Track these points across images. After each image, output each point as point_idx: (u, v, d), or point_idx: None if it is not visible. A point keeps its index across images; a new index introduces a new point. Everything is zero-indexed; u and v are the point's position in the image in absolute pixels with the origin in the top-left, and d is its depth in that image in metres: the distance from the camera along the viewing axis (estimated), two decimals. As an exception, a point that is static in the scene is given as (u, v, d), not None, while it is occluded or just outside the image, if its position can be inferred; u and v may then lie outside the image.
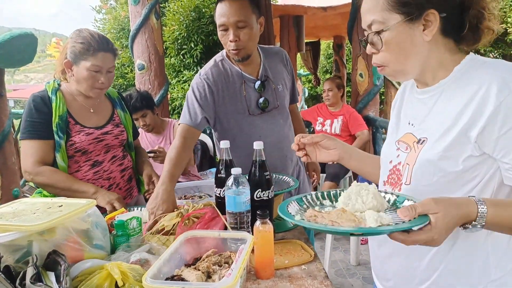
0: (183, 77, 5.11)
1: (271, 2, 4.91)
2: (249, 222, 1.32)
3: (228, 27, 1.61)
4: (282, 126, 1.84)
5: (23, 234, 0.98)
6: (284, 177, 1.68)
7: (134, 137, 1.95)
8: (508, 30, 7.16)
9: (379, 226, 0.82)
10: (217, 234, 1.20)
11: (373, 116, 4.16)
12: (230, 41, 1.63)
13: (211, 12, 4.96)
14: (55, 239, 1.05)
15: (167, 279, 1.03)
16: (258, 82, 1.76)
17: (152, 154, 2.44)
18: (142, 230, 1.37)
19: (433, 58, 0.95)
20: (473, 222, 0.80)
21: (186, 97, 1.77)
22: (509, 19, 7.11)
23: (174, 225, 1.38)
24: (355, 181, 0.99)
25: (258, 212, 1.13)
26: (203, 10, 5.00)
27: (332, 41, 9.14)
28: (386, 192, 1.00)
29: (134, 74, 4.73)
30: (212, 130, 1.88)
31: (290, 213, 0.93)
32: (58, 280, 0.90)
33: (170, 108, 4.69)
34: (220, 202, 1.42)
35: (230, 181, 1.30)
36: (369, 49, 0.99)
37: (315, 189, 2.56)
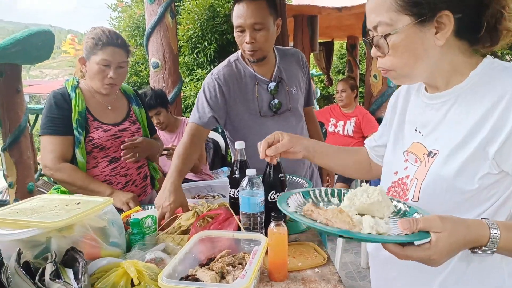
0: (196, 75, 5.13)
1: (286, 2, 4.90)
2: (263, 224, 1.32)
3: (244, 29, 1.62)
4: (294, 129, 1.83)
5: (43, 230, 1.00)
6: (298, 178, 1.68)
7: (151, 133, 1.96)
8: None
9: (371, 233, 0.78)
10: (231, 234, 1.21)
11: (387, 118, 4.12)
12: (246, 43, 1.63)
13: (226, 11, 4.97)
14: (73, 236, 1.07)
15: (181, 278, 1.04)
16: (271, 84, 1.76)
17: (165, 152, 2.46)
18: (157, 228, 1.38)
19: (446, 62, 0.87)
20: (483, 247, 0.73)
21: (197, 96, 1.78)
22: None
23: (190, 224, 1.39)
24: (366, 183, 0.95)
25: (272, 214, 1.13)
26: (218, 9, 5.01)
27: (346, 41, 9.08)
28: (398, 201, 0.93)
29: (148, 72, 4.77)
30: (224, 129, 1.89)
31: (288, 204, 0.90)
32: (76, 277, 0.91)
33: (182, 106, 4.71)
34: (234, 203, 1.42)
35: (244, 182, 1.31)
36: (374, 52, 0.91)
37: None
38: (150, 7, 3.48)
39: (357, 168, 1.28)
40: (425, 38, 0.83)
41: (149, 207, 1.61)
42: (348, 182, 3.61)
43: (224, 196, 1.77)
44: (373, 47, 0.90)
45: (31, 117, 5.29)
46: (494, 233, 0.72)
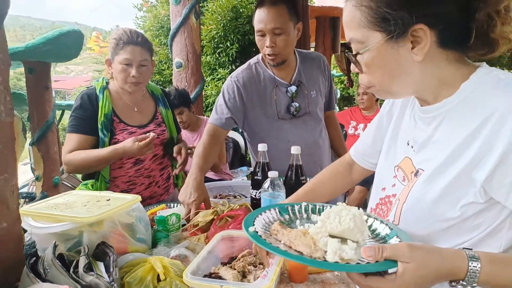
0: (217, 75, 5.20)
1: (308, 4, 4.89)
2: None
3: (265, 33, 1.65)
4: (312, 132, 1.85)
5: (76, 225, 1.06)
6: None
7: (177, 132, 1.99)
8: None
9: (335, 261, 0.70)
10: (253, 234, 1.24)
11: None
12: (267, 47, 1.66)
13: (249, 12, 5.01)
14: (103, 231, 1.12)
15: (205, 276, 1.08)
16: (291, 87, 1.78)
17: (188, 151, 2.51)
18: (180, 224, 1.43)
19: (431, 77, 0.79)
20: (461, 282, 0.65)
21: (217, 98, 1.82)
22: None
23: (207, 222, 1.43)
24: (342, 203, 0.88)
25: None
26: (241, 10, 5.06)
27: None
28: (382, 222, 0.86)
29: (171, 71, 4.85)
30: (243, 130, 1.93)
31: (255, 220, 0.84)
32: (107, 270, 0.96)
33: (204, 105, 4.78)
34: (255, 204, 1.46)
35: (266, 184, 1.34)
36: (353, 67, 0.85)
37: (346, 193, 2.55)
38: (175, 8, 3.54)
39: (338, 189, 1.21)
40: (400, 55, 0.76)
41: (174, 205, 1.66)
42: (367, 185, 3.60)
43: (246, 197, 1.80)
44: (351, 63, 0.84)
45: (57, 113, 5.46)
46: (474, 266, 0.64)
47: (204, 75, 4.50)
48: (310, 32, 5.05)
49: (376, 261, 0.66)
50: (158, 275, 1.02)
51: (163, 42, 5.89)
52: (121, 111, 1.77)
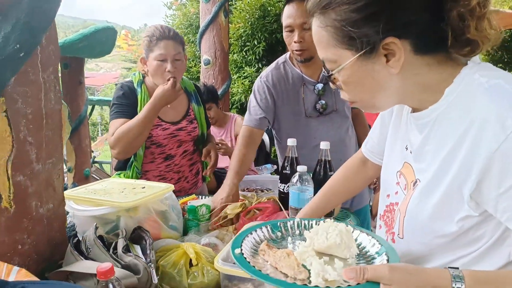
0: (244, 73, 5.24)
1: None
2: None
3: (293, 28, 1.66)
4: (338, 130, 1.85)
5: (114, 209, 1.12)
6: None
7: (207, 128, 2.03)
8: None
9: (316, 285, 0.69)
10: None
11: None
12: (295, 42, 1.67)
13: (277, 11, 5.03)
14: (138, 216, 1.18)
15: (234, 263, 1.11)
16: (318, 85, 1.79)
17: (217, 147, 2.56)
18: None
19: (412, 85, 0.76)
20: None
21: (249, 100, 1.86)
22: None
23: (236, 214, 1.47)
24: (330, 219, 0.91)
25: (322, 210, 1.18)
26: (269, 9, 5.08)
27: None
28: (373, 237, 0.86)
29: (198, 68, 4.92)
30: (272, 128, 1.95)
31: (244, 241, 0.85)
32: (143, 252, 1.01)
33: (229, 102, 4.84)
34: (283, 197, 1.48)
35: (295, 178, 1.36)
36: (331, 85, 0.84)
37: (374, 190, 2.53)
38: (205, 6, 3.61)
39: (352, 189, 1.23)
40: (375, 70, 0.73)
41: (204, 196, 1.70)
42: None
43: (272, 191, 1.83)
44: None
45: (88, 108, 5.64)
46: (457, 286, 0.62)
47: (230, 73, 4.56)
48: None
49: (358, 283, 0.66)
50: (191, 260, 1.07)
51: (191, 40, 5.98)
52: None
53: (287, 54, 1.85)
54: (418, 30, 0.70)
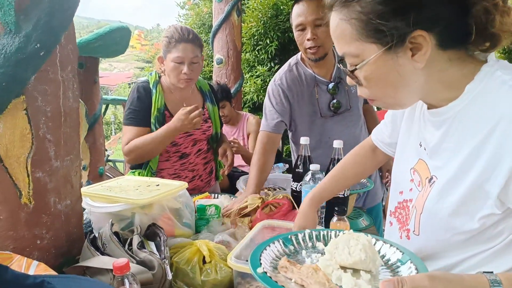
0: (256, 72, 5.25)
1: None
2: (323, 218, 1.37)
3: (305, 26, 1.65)
4: (353, 128, 1.85)
5: (129, 206, 1.13)
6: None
7: (220, 127, 2.05)
8: None
9: None
10: (292, 225, 1.27)
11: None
12: (308, 40, 1.66)
13: (289, 9, 5.01)
14: (153, 213, 1.19)
15: (247, 261, 1.12)
16: (331, 84, 1.78)
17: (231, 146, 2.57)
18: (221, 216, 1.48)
19: (435, 81, 0.75)
20: None
21: (264, 104, 1.85)
22: None
23: (255, 205, 1.47)
24: (350, 231, 0.89)
25: (336, 209, 1.18)
26: (281, 7, 5.08)
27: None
28: (391, 245, 0.84)
29: (211, 68, 4.94)
30: (288, 130, 1.95)
31: (261, 258, 0.81)
32: (158, 249, 1.03)
33: (242, 102, 4.85)
34: (296, 196, 1.49)
35: (308, 176, 1.36)
36: (349, 80, 0.81)
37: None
38: (218, 5, 3.63)
39: (361, 173, 1.24)
40: (400, 65, 0.71)
41: (217, 195, 1.71)
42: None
43: (284, 189, 1.84)
44: (348, 76, 0.80)
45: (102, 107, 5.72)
46: None
47: (243, 72, 4.57)
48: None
49: None
50: (204, 257, 1.08)
51: (204, 40, 6.02)
52: (172, 106, 1.83)
53: (298, 55, 1.85)
54: (445, 24, 0.69)
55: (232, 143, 2.59)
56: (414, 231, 0.85)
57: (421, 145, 0.86)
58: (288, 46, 5.08)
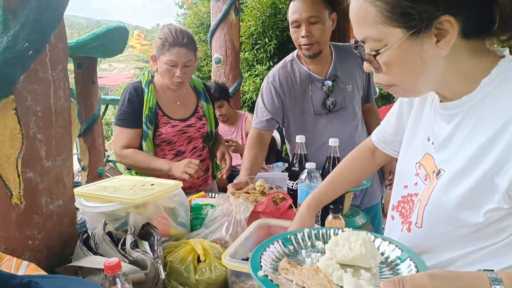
0: (255, 71, 5.25)
1: (348, -2, 4.83)
2: (319, 216, 1.36)
3: (300, 23, 1.65)
4: (347, 127, 1.83)
5: (123, 206, 1.13)
6: (356, 175, 1.68)
7: (215, 126, 2.05)
8: None
9: None
10: (288, 224, 1.26)
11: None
12: (302, 37, 1.66)
13: (287, 8, 5.02)
14: (147, 213, 1.19)
15: (242, 259, 1.11)
16: (326, 82, 1.78)
17: (225, 143, 2.57)
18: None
19: (453, 71, 0.73)
20: None
21: (256, 101, 1.86)
22: None
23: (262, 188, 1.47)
24: (351, 229, 0.88)
25: (331, 207, 1.17)
26: (280, 6, 5.08)
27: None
28: (390, 243, 0.84)
29: (210, 67, 4.94)
30: (282, 127, 1.95)
31: (261, 260, 0.79)
32: (151, 249, 1.02)
33: (241, 101, 4.85)
34: (292, 194, 1.48)
35: (303, 175, 1.35)
36: (366, 67, 0.78)
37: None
38: (216, 5, 3.62)
39: (359, 176, 1.23)
40: (424, 51, 0.70)
41: (213, 194, 1.71)
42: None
43: (282, 188, 1.83)
44: (365, 61, 0.77)
45: (101, 107, 5.71)
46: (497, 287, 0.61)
47: (242, 71, 4.57)
48: (350, 28, 4.97)
49: None
50: (199, 256, 1.07)
51: (202, 39, 6.01)
52: (165, 105, 1.84)
53: (295, 52, 1.84)
54: (471, 11, 0.67)
55: (230, 142, 2.59)
56: (416, 223, 0.84)
57: (429, 140, 0.85)
58: (287, 45, 5.07)
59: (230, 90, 3.72)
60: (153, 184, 1.28)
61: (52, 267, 0.98)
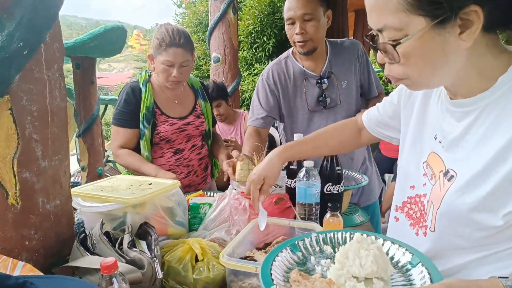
0: (254, 70, 5.24)
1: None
2: (317, 214, 1.36)
3: (295, 20, 1.66)
4: None
5: (121, 205, 1.12)
6: (354, 173, 1.69)
7: (212, 125, 2.06)
8: None
9: None
10: (287, 222, 1.26)
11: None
12: (296, 34, 1.67)
13: (285, 6, 5.03)
14: (145, 212, 1.19)
15: (240, 258, 1.11)
16: (320, 79, 1.78)
17: (224, 143, 2.57)
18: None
19: (471, 66, 0.70)
20: None
21: (252, 99, 1.88)
22: None
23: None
24: (359, 233, 0.87)
25: (329, 205, 1.17)
26: (278, 5, 5.07)
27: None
28: (400, 246, 0.82)
29: (208, 66, 4.94)
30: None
31: (272, 272, 0.77)
32: (149, 248, 1.02)
33: (240, 99, 4.84)
34: (290, 193, 1.47)
35: (301, 173, 1.35)
36: (380, 58, 0.73)
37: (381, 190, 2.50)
38: (214, 4, 3.61)
39: (344, 147, 1.25)
40: (446, 42, 0.65)
41: (211, 193, 1.71)
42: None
43: (280, 187, 1.83)
44: (379, 52, 0.73)
45: (101, 107, 5.71)
46: None
47: (240, 70, 4.57)
48: (349, 26, 4.97)
49: None
50: (196, 256, 1.07)
51: (201, 38, 6.00)
52: (163, 104, 1.84)
53: (291, 50, 1.85)
54: (496, 2, 0.65)
55: (229, 142, 2.58)
56: (430, 227, 0.82)
57: (436, 138, 0.82)
58: (286, 43, 5.06)
59: (229, 89, 3.71)
60: (150, 184, 1.28)
61: (50, 268, 0.98)
